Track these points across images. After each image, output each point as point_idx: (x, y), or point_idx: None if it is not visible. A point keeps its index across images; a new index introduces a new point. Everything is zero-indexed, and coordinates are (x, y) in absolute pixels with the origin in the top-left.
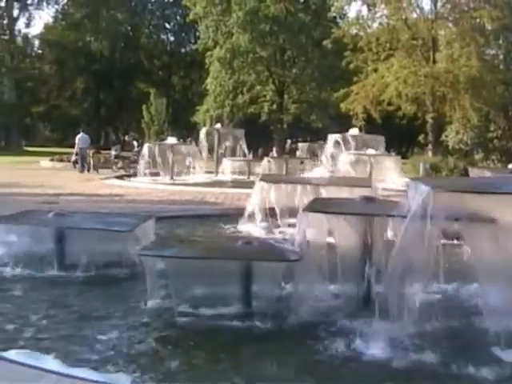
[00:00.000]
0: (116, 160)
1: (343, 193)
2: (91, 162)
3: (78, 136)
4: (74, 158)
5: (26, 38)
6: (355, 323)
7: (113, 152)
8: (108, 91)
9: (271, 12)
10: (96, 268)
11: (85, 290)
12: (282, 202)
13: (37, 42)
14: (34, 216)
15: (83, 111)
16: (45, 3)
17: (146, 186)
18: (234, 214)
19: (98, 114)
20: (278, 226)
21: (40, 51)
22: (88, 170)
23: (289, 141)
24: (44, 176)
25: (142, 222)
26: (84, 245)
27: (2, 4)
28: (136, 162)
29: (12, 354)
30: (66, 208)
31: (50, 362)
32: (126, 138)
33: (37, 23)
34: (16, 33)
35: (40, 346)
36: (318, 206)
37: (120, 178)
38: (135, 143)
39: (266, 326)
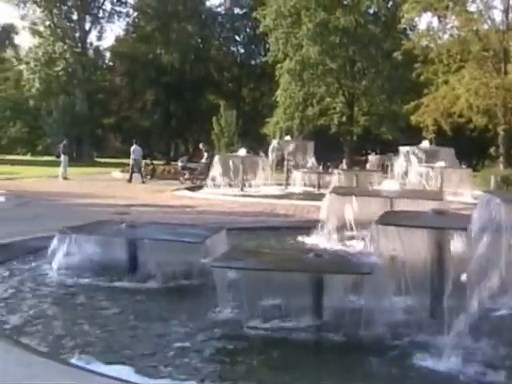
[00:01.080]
0: (183, 171)
1: (414, 206)
2: (143, 172)
3: (132, 148)
4: (142, 170)
5: (97, 50)
6: (426, 337)
7: (179, 163)
8: (178, 103)
9: (341, 24)
10: (167, 279)
11: (156, 300)
12: (352, 215)
13: (108, 55)
14: (106, 227)
15: (153, 123)
16: (116, 16)
17: (216, 197)
18: (305, 227)
19: (168, 126)
20: (349, 239)
21: (111, 63)
22: (142, 182)
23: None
24: (115, 187)
25: (214, 234)
26: (156, 256)
27: (75, 17)
28: (203, 173)
29: (99, 366)
30: (137, 219)
31: (131, 374)
32: (200, 145)
33: (108, 36)
34: (88, 45)
35: (116, 357)
36: (389, 218)
37: (191, 189)
38: (205, 154)
39: (336, 338)
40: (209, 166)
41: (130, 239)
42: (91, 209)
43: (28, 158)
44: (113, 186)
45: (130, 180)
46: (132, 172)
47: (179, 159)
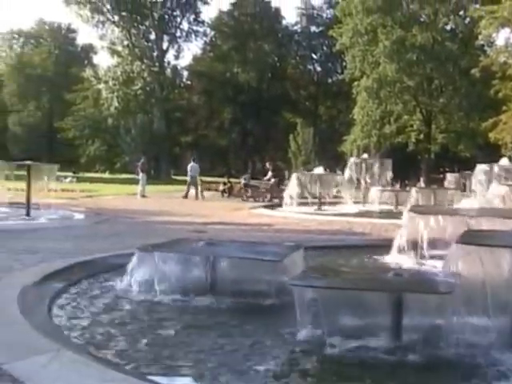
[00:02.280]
0: (246, 189)
1: (495, 224)
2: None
3: (190, 165)
4: (222, 187)
5: (175, 69)
6: (508, 357)
7: (242, 181)
8: (255, 121)
9: (418, 41)
10: (246, 297)
11: (235, 318)
12: (431, 234)
13: (185, 73)
14: (185, 244)
15: (231, 141)
16: (193, 35)
17: (293, 215)
18: (383, 245)
19: (245, 144)
20: (428, 258)
21: (188, 82)
22: (197, 198)
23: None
24: (193, 205)
25: (292, 252)
26: (234, 273)
27: (152, 37)
28: (266, 191)
29: None
30: (215, 237)
31: None
32: (267, 164)
33: (185, 55)
34: (165, 64)
35: (196, 375)
36: (469, 237)
37: (268, 207)
38: (270, 173)
39: (416, 358)
40: (276, 183)
41: (208, 257)
42: (169, 226)
43: (106, 175)
44: (190, 204)
45: (185, 196)
46: (189, 189)
47: (242, 177)
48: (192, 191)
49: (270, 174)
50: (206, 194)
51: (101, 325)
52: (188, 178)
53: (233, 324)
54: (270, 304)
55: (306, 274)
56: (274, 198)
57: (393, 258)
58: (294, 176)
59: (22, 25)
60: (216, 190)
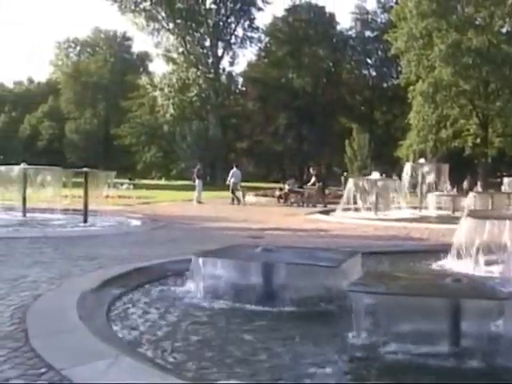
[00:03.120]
0: (291, 194)
1: None
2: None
3: (232, 171)
4: (277, 193)
5: (230, 75)
6: None
7: (287, 186)
8: (310, 126)
9: (473, 44)
10: (303, 303)
11: (292, 324)
12: (490, 239)
13: (240, 80)
14: (241, 250)
15: (286, 147)
16: (248, 42)
17: (350, 221)
18: (440, 251)
19: (300, 150)
20: (487, 263)
21: (243, 88)
22: (238, 203)
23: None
24: (248, 211)
25: (349, 258)
26: (291, 280)
27: (207, 44)
28: (310, 196)
29: None
30: (271, 243)
31: None
32: (310, 169)
33: (240, 61)
34: (220, 71)
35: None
36: None
37: (324, 212)
38: (313, 178)
39: (474, 365)
40: (320, 189)
41: (265, 263)
42: (225, 232)
43: (162, 182)
44: (246, 210)
45: (232, 202)
46: (234, 195)
47: (287, 182)
48: (237, 196)
49: (313, 179)
50: (262, 199)
51: (159, 331)
52: (230, 184)
53: (289, 330)
54: (327, 310)
55: (364, 280)
56: (319, 203)
57: (450, 264)
58: (350, 182)
59: (78, 33)
60: (272, 196)
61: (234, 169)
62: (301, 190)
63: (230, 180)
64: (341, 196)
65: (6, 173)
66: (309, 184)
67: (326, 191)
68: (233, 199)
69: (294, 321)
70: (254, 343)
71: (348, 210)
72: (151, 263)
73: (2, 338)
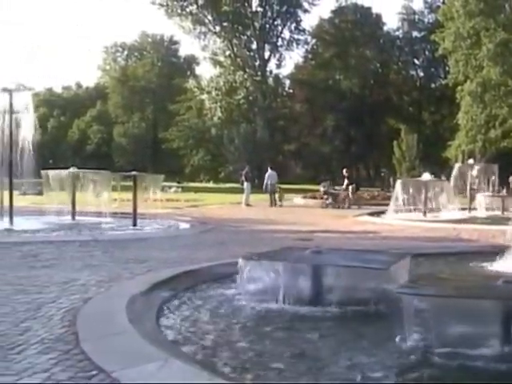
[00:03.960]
0: (325, 196)
1: None
2: (276, 196)
3: (267, 173)
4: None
5: (277, 78)
6: None
7: (321, 188)
8: (358, 128)
9: None
10: (352, 305)
11: (341, 326)
12: None
13: (287, 82)
14: (291, 253)
15: (334, 148)
16: (295, 44)
17: (399, 222)
18: (490, 252)
19: (348, 151)
20: None
21: (291, 90)
22: (274, 205)
23: None
24: (297, 213)
25: (398, 260)
26: (340, 282)
27: (254, 46)
28: (344, 198)
29: None
30: (320, 245)
31: None
32: (344, 171)
33: (287, 63)
34: (267, 73)
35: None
36: None
37: (373, 214)
38: (346, 180)
39: None
40: (353, 190)
41: (314, 265)
42: (274, 235)
43: (211, 185)
44: (294, 212)
45: (273, 204)
46: (273, 197)
47: (321, 184)
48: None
49: (346, 181)
50: (311, 202)
51: (208, 333)
52: (265, 186)
53: (339, 333)
54: (377, 312)
55: (414, 282)
56: (352, 205)
57: (501, 266)
58: (398, 183)
59: (125, 38)
60: (321, 198)
61: (270, 171)
62: (335, 191)
63: (267, 182)
64: (389, 197)
65: (56, 177)
66: (342, 186)
67: (376, 193)
68: (271, 201)
69: (344, 323)
70: (302, 345)
71: (397, 211)
72: (200, 266)
73: (53, 340)
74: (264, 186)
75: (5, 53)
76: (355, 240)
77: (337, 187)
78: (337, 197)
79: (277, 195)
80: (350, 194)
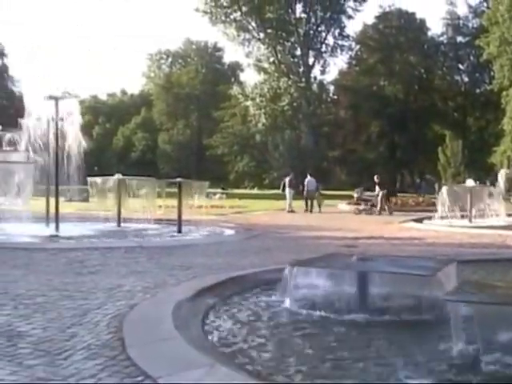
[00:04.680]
0: (358, 202)
1: None
2: (315, 203)
3: (306, 180)
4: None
5: (321, 84)
6: None
7: (355, 194)
8: (403, 134)
9: None
10: (398, 312)
11: (387, 333)
12: None
13: (332, 88)
14: (336, 259)
15: (378, 155)
16: (339, 50)
17: (444, 228)
18: None
19: (393, 157)
20: None
21: (335, 97)
22: (311, 211)
23: None
24: (342, 219)
25: (444, 266)
26: (386, 289)
27: (298, 53)
28: (375, 204)
29: None
30: (365, 251)
31: None
32: (375, 177)
33: (331, 69)
34: (312, 80)
35: None
36: None
37: (418, 220)
38: (377, 187)
39: None
40: (384, 196)
41: (360, 272)
42: (319, 241)
43: (255, 191)
44: (339, 219)
45: (309, 210)
46: (310, 203)
47: (355, 190)
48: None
49: (377, 187)
50: (353, 208)
51: (253, 340)
52: (305, 193)
53: (385, 340)
54: (423, 319)
55: (460, 288)
56: (383, 211)
57: None
58: (444, 189)
59: (169, 45)
60: (376, 204)
61: (308, 177)
62: (367, 198)
63: (306, 188)
64: (434, 204)
65: (102, 183)
66: (374, 193)
67: (419, 199)
68: (306, 207)
69: (390, 330)
70: (347, 353)
71: (442, 217)
72: (245, 272)
73: (100, 346)
74: (304, 193)
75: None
76: (400, 246)
77: (369, 193)
78: (369, 203)
79: (315, 201)
80: (381, 201)
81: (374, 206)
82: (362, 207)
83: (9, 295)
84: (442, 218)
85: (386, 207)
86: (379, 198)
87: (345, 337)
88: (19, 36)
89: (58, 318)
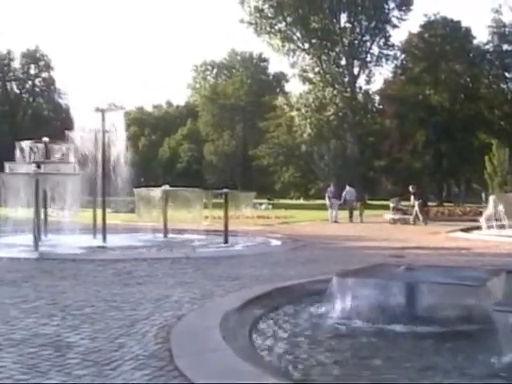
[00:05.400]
0: (393, 211)
1: None
2: (356, 213)
3: (345, 189)
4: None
5: (366, 94)
6: None
7: (391, 204)
8: (449, 143)
9: None
10: (447, 323)
11: (436, 344)
12: None
13: (377, 98)
14: (383, 270)
15: (424, 164)
16: (384, 59)
17: (492, 238)
18: None
19: (439, 166)
20: None
21: (380, 106)
22: (350, 221)
23: None
24: (388, 229)
25: (493, 276)
26: (434, 299)
27: (343, 62)
28: (410, 214)
29: None
30: (412, 261)
31: None
32: (410, 187)
33: (376, 79)
34: (357, 89)
35: None
36: None
37: (466, 230)
38: (412, 197)
39: None
40: (420, 206)
41: (408, 283)
42: (365, 251)
43: (301, 201)
44: (385, 229)
45: (350, 219)
46: (349, 213)
47: (391, 200)
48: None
49: (412, 197)
50: (391, 218)
51: (301, 351)
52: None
53: (434, 352)
54: (472, 330)
55: (510, 299)
56: (418, 220)
57: None
58: (491, 198)
59: (214, 56)
60: (411, 214)
61: (348, 187)
62: (403, 208)
63: (345, 198)
64: (481, 213)
65: (148, 195)
66: (410, 202)
67: (466, 208)
68: (416, 217)
69: (439, 341)
70: (397, 365)
71: (491, 227)
72: (292, 283)
73: (147, 357)
74: (342, 201)
75: (97, 72)
76: (448, 256)
77: (404, 203)
78: (405, 212)
79: (355, 211)
80: (416, 211)
81: (406, 214)
82: (397, 217)
83: (57, 306)
84: (489, 227)
85: (421, 217)
86: (415, 208)
87: (392, 348)
88: (66, 49)
89: (105, 328)
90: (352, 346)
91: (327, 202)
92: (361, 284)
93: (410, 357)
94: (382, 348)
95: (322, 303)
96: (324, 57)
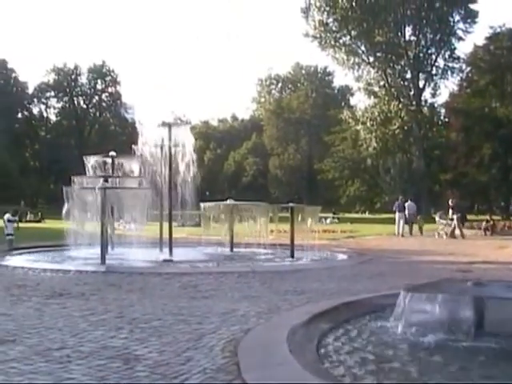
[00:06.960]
0: (440, 226)
1: None
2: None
3: (407, 203)
4: (484, 225)
5: (432, 107)
6: None
7: (437, 218)
8: None
9: None
10: None
11: (504, 360)
12: None
13: (443, 111)
14: (450, 284)
15: (491, 177)
16: (449, 72)
17: None
18: None
19: (506, 180)
20: None
21: (446, 119)
22: (410, 233)
23: None
24: (455, 244)
25: None
26: (504, 314)
27: (408, 76)
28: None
29: None
30: (480, 276)
31: None
32: (449, 201)
33: (442, 92)
34: (422, 103)
35: None
36: None
37: None
38: (450, 211)
39: None
40: (459, 219)
41: (476, 297)
42: (432, 266)
43: (366, 215)
44: (452, 243)
45: (410, 233)
46: (410, 226)
47: (437, 213)
48: (412, 227)
49: (450, 211)
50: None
51: (369, 366)
52: (406, 216)
53: (500, 367)
54: None
55: None
56: (456, 234)
57: None
58: None
59: (279, 70)
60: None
61: (409, 202)
62: (447, 221)
63: (406, 213)
64: None
65: (214, 208)
66: (449, 216)
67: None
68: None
69: (505, 358)
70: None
71: None
72: (359, 298)
73: (215, 370)
74: (407, 216)
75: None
76: None
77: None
78: (447, 225)
79: (416, 225)
80: (455, 225)
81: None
82: (440, 229)
83: (125, 319)
84: None
85: (460, 231)
86: (453, 221)
87: (460, 363)
88: (132, 63)
89: (173, 341)
90: (419, 362)
91: (397, 215)
92: (428, 299)
93: (477, 375)
94: (446, 363)
95: (388, 317)
96: (389, 70)
